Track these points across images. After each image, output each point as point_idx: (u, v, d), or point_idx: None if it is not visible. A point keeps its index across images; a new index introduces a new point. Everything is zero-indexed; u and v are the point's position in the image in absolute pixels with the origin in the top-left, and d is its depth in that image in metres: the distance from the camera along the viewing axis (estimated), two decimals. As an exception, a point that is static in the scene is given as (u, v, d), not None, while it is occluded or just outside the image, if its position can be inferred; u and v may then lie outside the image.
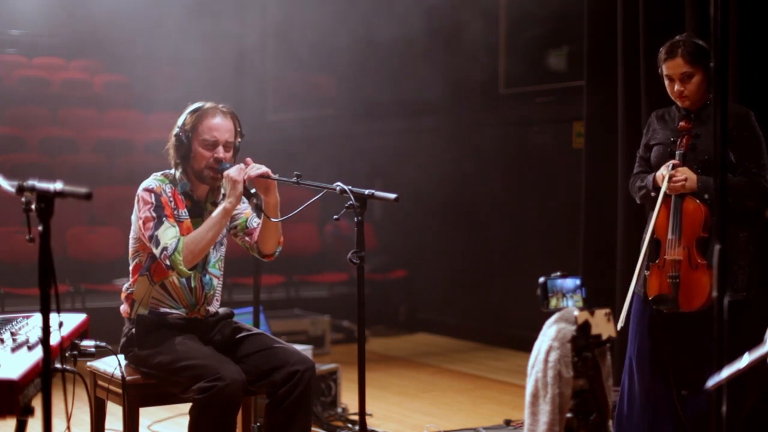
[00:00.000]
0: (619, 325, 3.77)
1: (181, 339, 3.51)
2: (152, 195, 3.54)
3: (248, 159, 3.60)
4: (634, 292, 3.97)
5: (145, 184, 3.59)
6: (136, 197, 3.57)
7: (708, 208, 3.75)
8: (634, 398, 3.98)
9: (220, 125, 3.58)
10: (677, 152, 3.84)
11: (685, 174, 3.77)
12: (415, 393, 6.13)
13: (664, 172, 3.81)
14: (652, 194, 3.88)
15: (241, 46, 10.34)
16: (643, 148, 4.06)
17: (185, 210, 3.60)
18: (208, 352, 3.49)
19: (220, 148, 3.57)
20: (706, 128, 3.81)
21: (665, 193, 3.80)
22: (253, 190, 3.61)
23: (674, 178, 3.78)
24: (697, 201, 3.78)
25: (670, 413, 3.90)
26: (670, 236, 3.82)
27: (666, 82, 3.88)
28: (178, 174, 3.63)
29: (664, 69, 3.85)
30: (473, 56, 8.06)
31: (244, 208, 3.72)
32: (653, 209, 3.86)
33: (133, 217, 3.60)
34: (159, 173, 3.65)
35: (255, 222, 3.72)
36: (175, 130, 3.62)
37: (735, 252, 3.73)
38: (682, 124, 3.86)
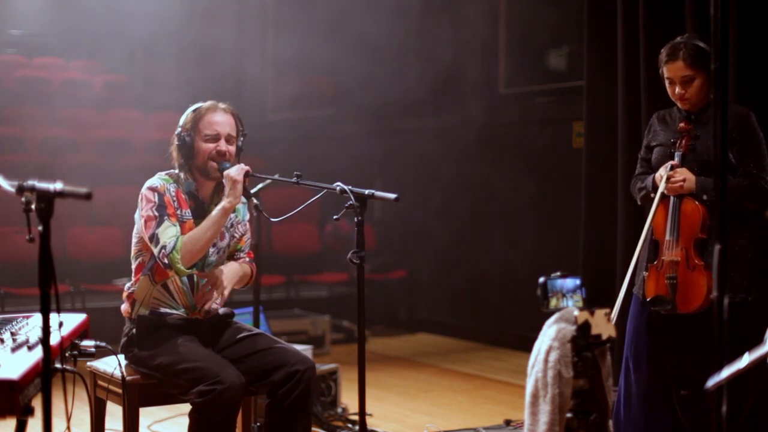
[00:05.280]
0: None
1: (182, 341, 3.51)
2: (155, 194, 3.54)
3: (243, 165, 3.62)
4: (633, 293, 3.97)
5: (149, 182, 3.59)
6: (140, 195, 3.58)
7: (706, 210, 3.75)
8: (632, 398, 3.98)
9: (221, 120, 3.61)
10: (676, 153, 3.83)
11: (684, 175, 3.77)
12: (415, 393, 6.13)
13: (662, 172, 3.81)
14: (652, 195, 3.88)
15: (241, 45, 10.34)
16: (644, 150, 4.06)
17: (189, 210, 3.60)
18: (208, 355, 3.49)
19: (222, 141, 3.58)
20: (705, 129, 3.80)
21: (663, 193, 3.80)
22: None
23: (672, 179, 3.77)
24: (696, 202, 3.78)
25: (668, 413, 3.90)
26: (668, 237, 3.82)
27: (666, 84, 3.87)
28: (182, 175, 3.63)
29: (665, 71, 3.84)
30: (473, 56, 8.06)
31: (243, 232, 3.76)
32: (651, 210, 3.86)
33: (136, 216, 3.60)
34: (164, 172, 3.65)
35: (243, 253, 3.77)
36: (177, 130, 3.63)
37: (735, 254, 3.72)
38: (681, 125, 3.85)
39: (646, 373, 3.93)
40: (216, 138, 3.59)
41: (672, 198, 3.81)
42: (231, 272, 3.66)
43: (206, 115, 3.61)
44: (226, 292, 3.61)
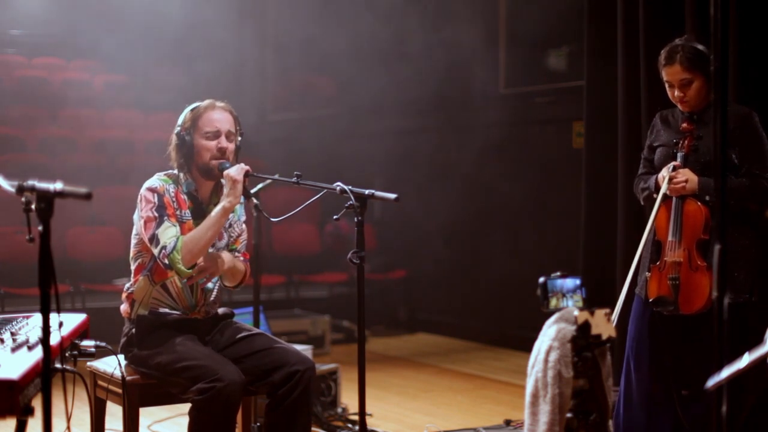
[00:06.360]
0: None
1: (181, 339, 3.51)
2: (155, 195, 3.54)
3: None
4: (635, 294, 3.96)
5: (148, 183, 3.59)
6: (139, 196, 3.57)
7: (709, 210, 3.75)
8: (633, 399, 3.98)
9: (220, 117, 3.61)
10: (679, 154, 3.83)
11: (686, 175, 3.76)
12: (415, 393, 6.13)
13: (664, 173, 3.80)
14: (654, 195, 3.87)
15: (241, 46, 10.34)
16: (647, 150, 4.06)
17: (188, 211, 3.60)
18: (207, 353, 3.49)
19: (223, 138, 3.58)
20: (708, 130, 3.80)
21: (666, 194, 3.79)
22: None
23: (675, 180, 3.77)
24: (698, 203, 3.77)
25: (669, 414, 3.90)
26: (670, 238, 3.81)
27: (666, 87, 3.87)
28: (181, 175, 3.63)
29: (664, 75, 3.84)
30: (473, 56, 8.06)
31: (240, 233, 3.75)
32: (653, 211, 3.85)
33: (135, 217, 3.60)
34: (162, 173, 3.64)
35: (238, 253, 3.75)
36: (176, 129, 3.63)
37: (737, 254, 3.72)
38: (684, 125, 3.85)
39: (647, 374, 3.92)
40: (216, 135, 3.59)
41: (674, 199, 3.81)
42: (227, 256, 3.65)
43: (205, 113, 3.61)
44: (219, 269, 3.58)
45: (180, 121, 3.64)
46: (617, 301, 3.86)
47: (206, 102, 3.65)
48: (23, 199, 2.35)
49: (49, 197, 2.28)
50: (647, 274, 3.88)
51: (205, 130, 3.59)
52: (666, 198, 3.81)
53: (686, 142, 3.82)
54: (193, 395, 3.35)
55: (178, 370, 3.41)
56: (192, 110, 3.64)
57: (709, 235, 3.75)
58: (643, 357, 3.94)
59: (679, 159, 3.82)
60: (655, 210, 3.82)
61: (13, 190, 2.37)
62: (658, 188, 3.84)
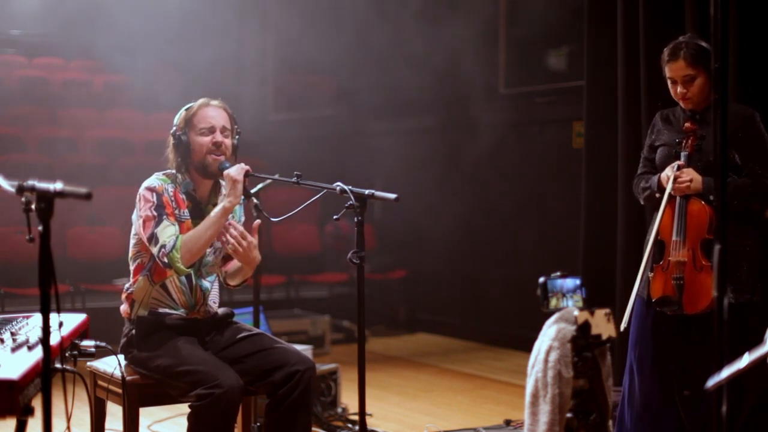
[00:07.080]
0: (622, 326, 3.77)
1: (181, 343, 3.50)
2: (154, 194, 3.54)
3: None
4: (636, 294, 3.96)
5: (147, 182, 3.59)
6: (138, 196, 3.57)
7: (713, 210, 3.74)
8: (635, 400, 3.97)
9: (214, 114, 3.62)
10: (682, 153, 3.81)
11: (690, 175, 3.75)
12: (415, 393, 6.13)
13: (668, 173, 3.78)
14: (657, 195, 3.86)
15: (241, 45, 10.34)
16: (648, 149, 4.04)
17: (186, 210, 3.60)
18: (207, 358, 3.48)
19: (218, 133, 3.59)
20: (711, 129, 3.79)
21: (670, 194, 3.78)
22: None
23: (679, 179, 3.76)
24: (702, 202, 3.76)
25: (672, 415, 3.89)
26: (674, 238, 3.80)
27: (669, 84, 3.86)
28: (180, 175, 3.63)
29: (667, 71, 3.83)
30: (473, 56, 8.06)
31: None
32: (657, 210, 3.84)
33: (134, 216, 3.60)
34: (161, 172, 3.64)
35: None
36: (172, 130, 3.63)
37: (739, 253, 3.71)
38: (687, 125, 3.84)
39: (650, 375, 3.91)
40: (211, 130, 3.59)
41: (678, 198, 3.79)
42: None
43: (199, 110, 3.62)
44: (254, 241, 3.55)
45: (175, 121, 3.65)
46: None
47: (200, 101, 3.67)
48: (23, 199, 2.35)
49: (49, 197, 2.28)
50: (650, 274, 3.87)
51: (199, 127, 3.60)
52: (670, 198, 3.80)
53: (689, 141, 3.81)
54: (192, 400, 3.35)
55: (178, 374, 3.41)
56: (186, 110, 3.65)
57: (714, 235, 3.74)
58: (646, 358, 3.93)
59: (682, 158, 3.80)
60: (661, 210, 3.81)
61: (13, 190, 2.37)
62: (661, 188, 3.82)
